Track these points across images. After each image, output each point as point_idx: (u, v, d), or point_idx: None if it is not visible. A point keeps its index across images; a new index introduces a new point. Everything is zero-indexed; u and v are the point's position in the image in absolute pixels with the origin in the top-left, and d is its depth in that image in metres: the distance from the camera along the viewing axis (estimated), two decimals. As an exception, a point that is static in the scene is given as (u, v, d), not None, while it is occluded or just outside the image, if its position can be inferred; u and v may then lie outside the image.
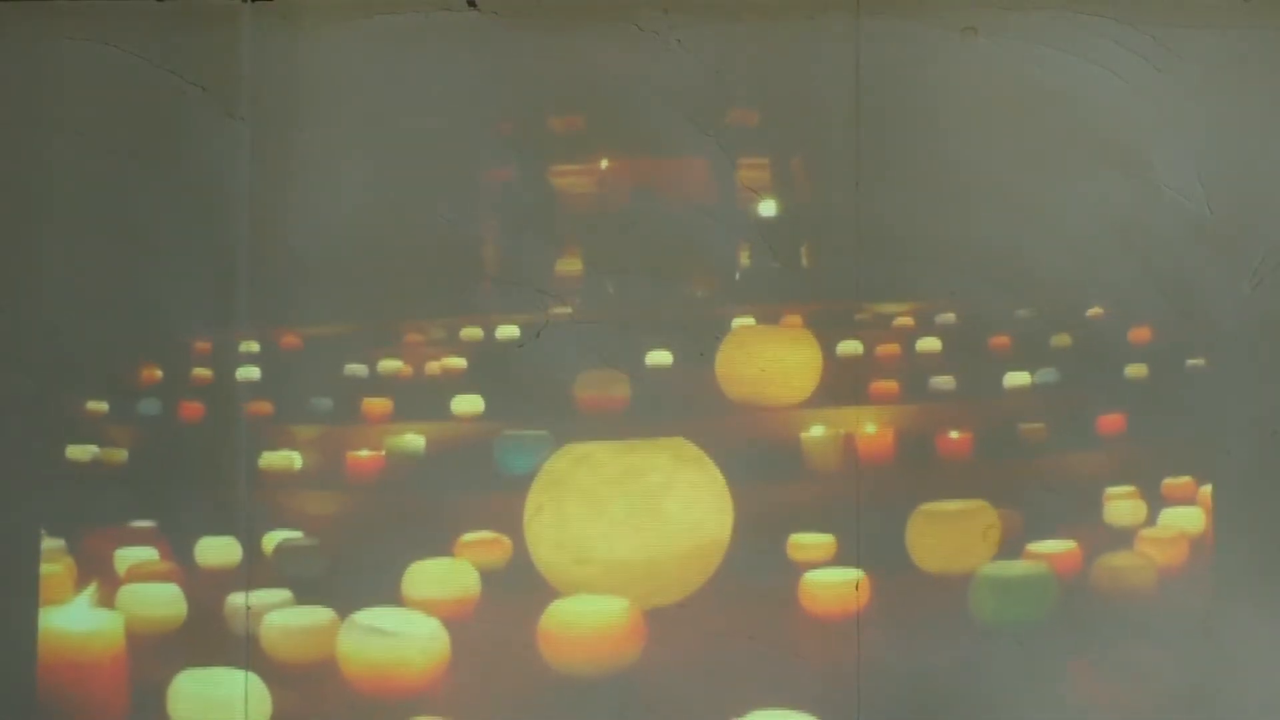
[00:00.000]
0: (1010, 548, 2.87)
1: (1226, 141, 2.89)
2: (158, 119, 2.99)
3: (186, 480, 2.95)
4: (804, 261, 2.92)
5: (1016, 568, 2.86)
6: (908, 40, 2.92)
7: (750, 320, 2.92)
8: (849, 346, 2.90)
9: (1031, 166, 2.90)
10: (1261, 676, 2.85)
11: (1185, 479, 2.86)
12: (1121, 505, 2.87)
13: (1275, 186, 2.89)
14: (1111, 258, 2.89)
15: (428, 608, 2.92)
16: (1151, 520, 2.87)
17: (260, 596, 2.93)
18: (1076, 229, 2.89)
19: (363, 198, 2.97)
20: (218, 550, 2.94)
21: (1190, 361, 2.87)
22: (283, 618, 2.92)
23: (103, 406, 2.97)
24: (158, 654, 2.93)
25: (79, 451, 2.97)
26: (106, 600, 2.95)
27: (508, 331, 2.94)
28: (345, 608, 2.93)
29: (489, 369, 2.94)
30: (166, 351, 2.97)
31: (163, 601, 2.94)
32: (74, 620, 2.95)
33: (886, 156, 2.91)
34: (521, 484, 2.93)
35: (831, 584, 2.89)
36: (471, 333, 2.95)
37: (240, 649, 2.92)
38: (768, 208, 2.93)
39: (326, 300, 2.96)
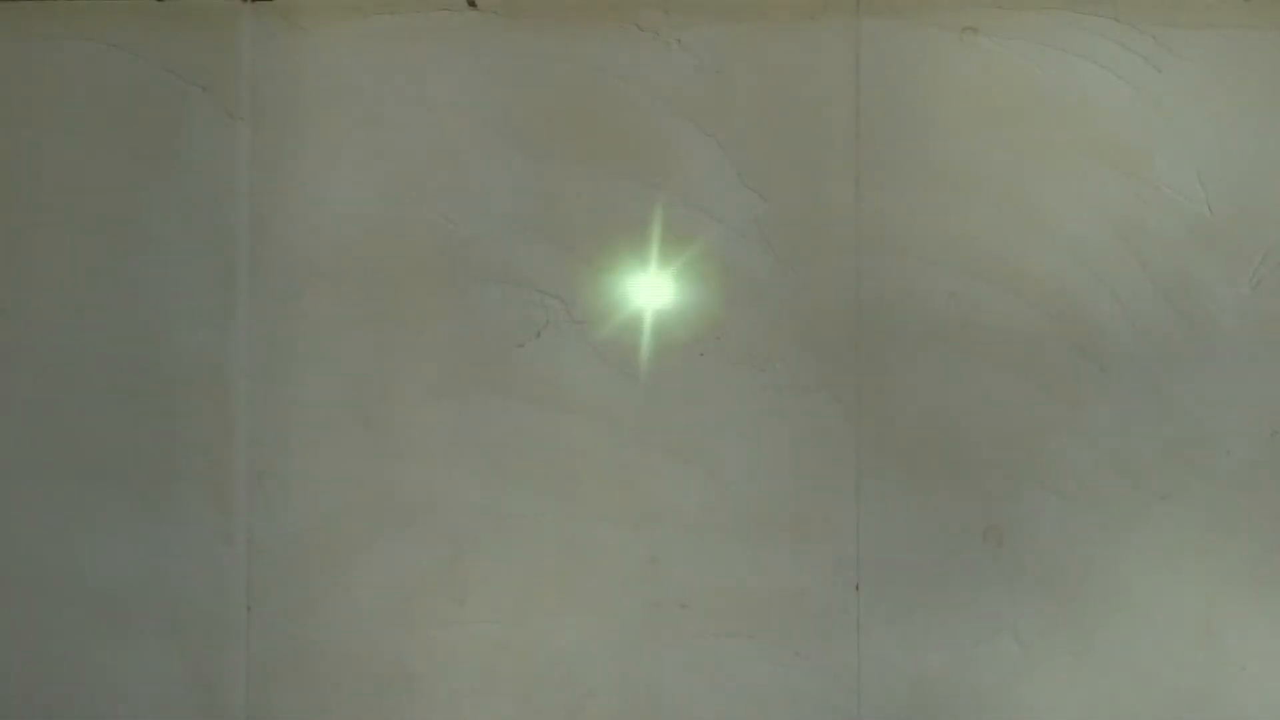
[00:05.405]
0: (1011, 547, 2.88)
1: (1226, 141, 2.89)
2: (158, 119, 3.00)
3: (186, 480, 2.96)
4: (804, 261, 2.92)
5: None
6: (908, 40, 2.92)
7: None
8: (848, 343, 2.90)
9: (1031, 166, 2.90)
10: (1261, 676, 2.85)
11: (1184, 479, 2.87)
12: (1119, 503, 2.87)
13: (1275, 186, 2.89)
14: (1111, 258, 2.89)
15: (431, 602, 2.92)
16: (1150, 519, 2.87)
17: (261, 595, 2.94)
18: (1076, 229, 2.89)
19: (363, 197, 2.97)
20: (218, 549, 2.95)
21: (1190, 361, 2.87)
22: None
23: (103, 406, 2.97)
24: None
25: (79, 451, 2.97)
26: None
27: (508, 331, 2.94)
28: (350, 605, 2.93)
29: (489, 368, 2.94)
30: (166, 351, 2.97)
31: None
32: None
33: (886, 156, 2.91)
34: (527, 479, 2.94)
35: (832, 583, 2.89)
36: (471, 332, 2.95)
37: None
38: (767, 207, 2.93)
39: (326, 300, 2.97)
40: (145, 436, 2.97)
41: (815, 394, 2.91)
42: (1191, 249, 2.88)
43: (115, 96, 3.00)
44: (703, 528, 2.91)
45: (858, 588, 2.89)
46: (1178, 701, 2.86)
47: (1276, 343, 2.87)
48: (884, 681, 2.88)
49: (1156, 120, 2.90)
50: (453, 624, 2.93)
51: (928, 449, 2.89)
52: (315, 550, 2.95)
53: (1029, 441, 2.88)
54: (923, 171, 2.91)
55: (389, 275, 2.96)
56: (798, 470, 2.91)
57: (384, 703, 2.93)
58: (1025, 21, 2.92)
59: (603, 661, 2.91)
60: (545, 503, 2.93)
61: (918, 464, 2.89)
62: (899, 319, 2.90)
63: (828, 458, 2.90)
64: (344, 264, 2.97)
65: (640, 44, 2.95)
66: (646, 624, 2.91)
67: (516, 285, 2.95)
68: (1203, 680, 2.86)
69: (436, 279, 2.96)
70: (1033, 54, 2.91)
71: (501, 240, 2.96)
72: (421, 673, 2.93)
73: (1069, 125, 2.90)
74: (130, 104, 3.00)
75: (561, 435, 2.92)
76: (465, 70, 2.97)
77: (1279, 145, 2.89)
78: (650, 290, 2.94)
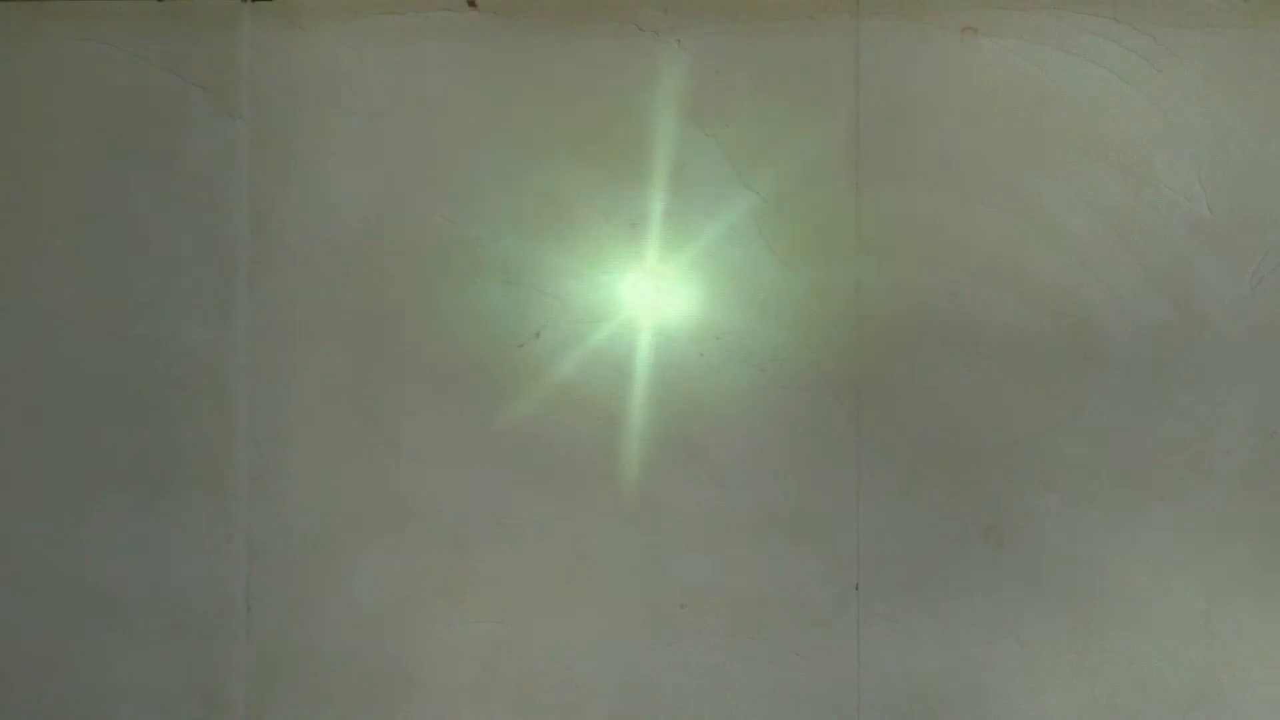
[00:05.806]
0: (1011, 547, 2.87)
1: (1226, 141, 2.89)
2: (158, 119, 3.00)
3: (186, 480, 2.96)
4: (804, 261, 2.92)
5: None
6: (908, 40, 2.92)
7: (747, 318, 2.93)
8: (848, 343, 2.90)
9: (1031, 166, 2.90)
10: (1261, 676, 2.85)
11: (1184, 479, 2.87)
12: (1119, 503, 2.87)
13: (1275, 186, 2.89)
14: (1111, 257, 2.89)
15: (430, 602, 2.92)
16: (1151, 519, 2.87)
17: (261, 595, 2.94)
18: (1076, 229, 2.89)
19: (363, 197, 2.97)
20: (218, 549, 2.95)
21: (1190, 361, 2.87)
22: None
23: (103, 407, 2.97)
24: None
25: (79, 451, 2.97)
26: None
27: (508, 331, 2.94)
28: (349, 605, 2.93)
29: (489, 368, 2.94)
30: (166, 351, 2.97)
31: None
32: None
33: (886, 156, 2.91)
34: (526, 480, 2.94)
35: (832, 583, 2.89)
36: (471, 332, 2.95)
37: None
38: (767, 207, 2.93)
39: (326, 299, 2.97)
40: (145, 436, 2.97)
41: (815, 394, 2.91)
42: (1191, 249, 2.88)
43: (115, 96, 3.00)
44: (703, 528, 2.91)
45: (858, 588, 2.89)
46: (1178, 701, 2.85)
47: (1276, 343, 2.87)
48: (883, 682, 2.88)
49: (1156, 120, 2.90)
50: (452, 624, 2.93)
51: (928, 449, 2.89)
52: (315, 550, 2.95)
53: (1029, 441, 2.88)
54: (922, 171, 2.91)
55: (389, 275, 2.96)
56: (798, 470, 2.91)
57: (384, 703, 2.93)
58: (1025, 21, 2.92)
59: (602, 661, 2.91)
60: (545, 502, 2.93)
61: (918, 464, 2.89)
62: (899, 319, 2.90)
63: (828, 458, 2.90)
64: (344, 263, 2.97)
65: (640, 44, 2.95)
66: (646, 624, 2.91)
67: (516, 285, 2.95)
68: (1203, 680, 2.85)
69: (436, 279, 2.96)
70: (1033, 54, 2.91)
71: (501, 240, 2.96)
72: (421, 673, 2.93)
73: (1069, 125, 2.90)
74: (130, 104, 3.00)
75: (561, 435, 2.92)
76: (465, 70, 2.97)
77: (1279, 145, 2.89)
78: (650, 290, 2.94)
